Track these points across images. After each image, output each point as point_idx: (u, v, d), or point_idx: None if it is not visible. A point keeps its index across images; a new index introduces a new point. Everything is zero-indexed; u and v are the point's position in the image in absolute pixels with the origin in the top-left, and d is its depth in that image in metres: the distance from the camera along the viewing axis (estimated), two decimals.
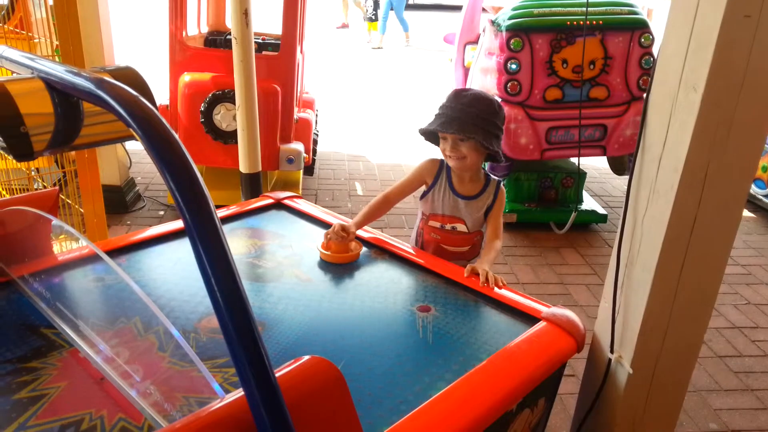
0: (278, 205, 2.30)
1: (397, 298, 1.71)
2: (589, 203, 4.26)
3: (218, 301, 0.75)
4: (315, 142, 4.63)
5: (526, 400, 1.47)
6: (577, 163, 3.84)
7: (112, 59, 3.73)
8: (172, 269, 1.78)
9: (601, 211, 4.18)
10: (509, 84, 3.71)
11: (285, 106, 3.79)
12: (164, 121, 0.79)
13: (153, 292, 1.63)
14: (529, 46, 3.65)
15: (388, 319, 1.61)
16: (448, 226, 2.08)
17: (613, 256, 1.63)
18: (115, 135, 1.09)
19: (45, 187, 2.93)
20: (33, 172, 3.07)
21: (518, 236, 3.99)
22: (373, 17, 11.85)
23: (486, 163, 3.12)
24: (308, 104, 4.69)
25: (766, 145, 3.18)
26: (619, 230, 1.61)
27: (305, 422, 0.86)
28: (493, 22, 3.85)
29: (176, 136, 0.78)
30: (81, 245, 1.55)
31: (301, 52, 4.24)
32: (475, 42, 4.71)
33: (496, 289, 1.74)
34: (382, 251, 1.98)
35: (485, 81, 4.01)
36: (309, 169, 4.66)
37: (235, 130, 2.89)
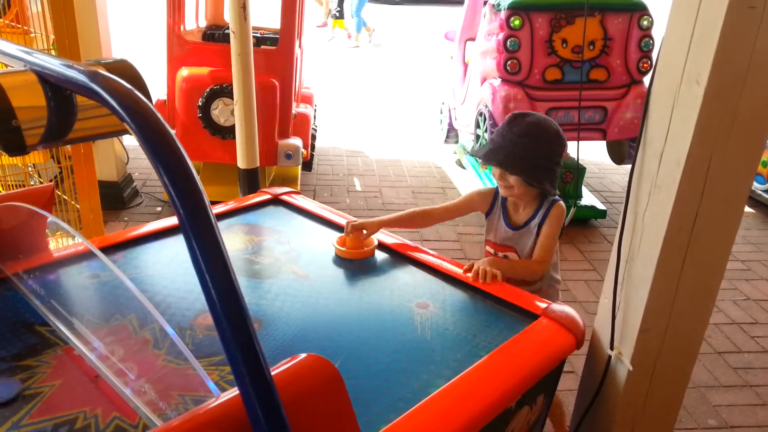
0: (276, 201, 2.28)
1: (394, 294, 1.70)
2: (588, 199, 4.25)
3: (213, 298, 0.73)
4: (313, 137, 4.62)
5: (526, 397, 1.46)
6: (576, 157, 3.83)
7: (109, 53, 3.71)
8: (169, 266, 1.77)
9: (601, 206, 4.17)
10: (509, 62, 3.69)
11: (283, 101, 3.78)
12: (159, 115, 0.77)
13: (149, 289, 1.62)
14: (529, 25, 3.65)
15: (386, 316, 1.60)
16: (500, 254, 2.01)
17: (614, 251, 1.62)
18: (110, 129, 1.07)
19: (41, 183, 2.91)
20: (29, 168, 3.05)
21: None
22: (337, 14, 11.70)
23: None
24: (307, 99, 4.67)
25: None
26: (619, 225, 1.59)
27: (301, 421, 0.84)
28: (493, 6, 3.84)
29: (171, 130, 0.77)
30: (76, 242, 1.53)
31: (300, 46, 4.22)
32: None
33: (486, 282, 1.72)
34: (380, 247, 1.96)
35: (485, 64, 4.00)
36: (307, 165, 4.64)
37: (233, 125, 2.87)
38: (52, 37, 2.55)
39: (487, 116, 3.90)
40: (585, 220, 4.14)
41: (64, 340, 1.35)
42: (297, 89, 4.24)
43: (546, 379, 1.52)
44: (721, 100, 1.30)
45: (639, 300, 1.53)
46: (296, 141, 3.89)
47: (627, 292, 1.58)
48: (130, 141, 4.02)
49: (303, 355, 0.93)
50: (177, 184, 0.73)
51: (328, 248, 1.92)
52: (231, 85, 2.77)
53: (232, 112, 3.30)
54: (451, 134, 5.43)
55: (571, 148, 3.86)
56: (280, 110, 3.76)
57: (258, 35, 4.27)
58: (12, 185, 2.94)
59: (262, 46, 4.07)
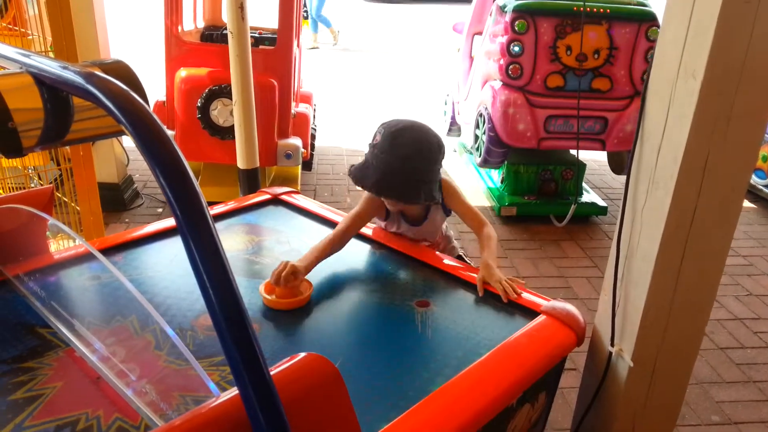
0: (276, 201, 2.28)
1: (395, 293, 1.70)
2: (589, 195, 4.25)
3: (211, 300, 0.73)
4: (313, 136, 4.61)
5: (527, 395, 1.46)
6: (576, 155, 3.83)
7: (107, 55, 3.71)
8: (169, 266, 1.77)
9: (602, 203, 4.16)
10: (511, 66, 3.67)
11: (282, 100, 3.77)
12: (155, 116, 0.77)
13: (150, 290, 1.62)
14: (534, 30, 3.61)
15: (386, 315, 1.60)
16: None
17: (613, 248, 1.62)
18: (107, 130, 1.07)
19: (42, 185, 2.91)
20: (29, 171, 3.05)
21: (518, 229, 3.97)
22: (305, 15, 11.36)
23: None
24: (306, 99, 4.67)
25: (766, 135, 3.16)
26: (618, 222, 1.59)
27: (301, 420, 0.84)
28: (500, 7, 3.81)
29: (167, 131, 0.77)
30: (76, 244, 1.54)
31: (298, 46, 4.22)
32: None
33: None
34: (379, 246, 1.96)
35: (488, 66, 3.98)
36: (307, 164, 4.64)
37: (233, 126, 2.87)
38: (49, 39, 2.54)
39: (486, 119, 3.89)
40: (586, 217, 4.14)
41: (65, 342, 1.35)
42: (296, 89, 4.23)
43: (547, 377, 1.52)
44: (717, 95, 1.30)
45: (639, 296, 1.53)
46: (296, 141, 3.89)
47: (627, 289, 1.58)
48: (130, 142, 4.02)
49: (302, 355, 0.93)
50: (173, 185, 0.74)
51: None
52: (230, 85, 2.77)
53: (231, 113, 3.30)
54: (454, 127, 5.43)
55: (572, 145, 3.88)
56: (279, 110, 3.76)
57: (256, 35, 4.26)
58: (12, 188, 2.94)
59: (261, 46, 4.07)
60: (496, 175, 4.33)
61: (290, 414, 0.79)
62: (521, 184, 4.11)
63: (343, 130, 5.98)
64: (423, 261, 1.85)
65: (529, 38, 3.62)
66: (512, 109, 3.69)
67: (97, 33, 3.55)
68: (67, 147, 2.59)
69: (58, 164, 2.84)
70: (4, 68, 0.96)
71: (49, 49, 2.60)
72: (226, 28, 2.74)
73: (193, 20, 4.38)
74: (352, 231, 1.89)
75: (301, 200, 2.26)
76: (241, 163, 2.85)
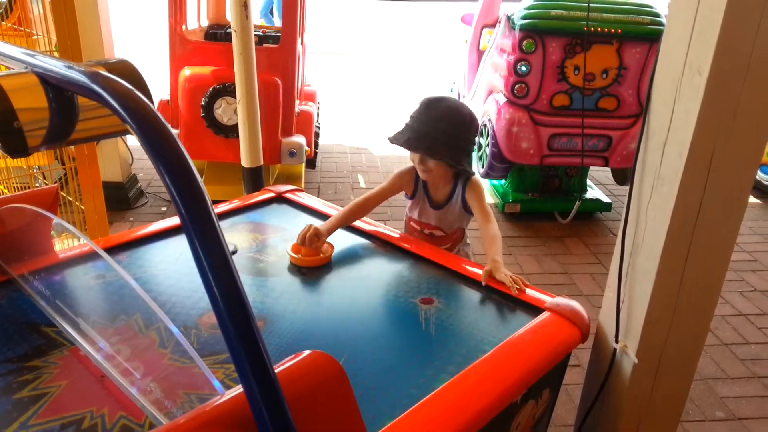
0: (280, 199, 2.28)
1: (399, 290, 1.70)
2: (593, 192, 4.24)
3: (215, 297, 0.74)
4: (317, 134, 4.61)
5: (531, 392, 1.45)
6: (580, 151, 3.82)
7: (111, 54, 3.72)
8: (174, 265, 1.77)
9: (606, 199, 4.15)
10: (517, 86, 3.63)
11: (286, 98, 3.78)
12: (160, 115, 0.77)
13: (154, 288, 1.62)
14: (542, 49, 3.55)
15: (390, 312, 1.60)
16: (426, 231, 2.13)
17: (617, 244, 1.62)
18: (112, 129, 1.08)
19: (46, 184, 2.92)
20: (34, 170, 3.06)
21: (522, 226, 3.97)
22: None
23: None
24: (309, 97, 4.67)
25: None
26: (623, 218, 1.59)
27: (306, 418, 0.84)
28: (509, 18, 3.76)
29: (172, 129, 0.77)
30: (80, 243, 1.54)
31: (302, 44, 4.22)
32: (493, 26, 4.61)
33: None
34: (384, 243, 1.96)
35: (494, 78, 3.95)
36: (311, 162, 4.65)
37: (237, 124, 2.87)
38: (54, 38, 2.55)
39: (490, 132, 3.86)
40: (590, 214, 4.13)
41: (70, 341, 1.35)
42: (300, 87, 4.24)
43: (551, 373, 1.51)
44: (723, 91, 1.29)
45: (643, 293, 1.53)
46: (300, 139, 3.89)
47: (631, 285, 1.58)
48: (134, 141, 4.03)
49: (307, 352, 0.93)
50: (178, 184, 0.74)
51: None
52: (234, 84, 2.77)
53: (235, 111, 3.32)
54: None
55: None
56: (283, 108, 3.76)
57: (260, 34, 4.26)
58: (17, 187, 2.95)
59: (264, 45, 4.07)
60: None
61: (295, 412, 0.79)
62: (525, 180, 4.10)
63: (347, 127, 5.97)
64: (427, 258, 1.85)
65: (536, 58, 3.57)
66: (516, 128, 3.66)
67: (101, 32, 3.56)
68: (72, 146, 2.60)
69: (63, 163, 2.85)
70: (9, 68, 0.96)
71: (53, 48, 2.61)
72: (230, 27, 2.74)
73: (197, 19, 4.38)
74: (373, 202, 2.05)
75: (304, 198, 2.27)
76: (245, 162, 2.86)
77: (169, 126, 0.77)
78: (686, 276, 1.49)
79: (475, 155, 4.29)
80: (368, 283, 1.74)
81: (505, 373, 1.35)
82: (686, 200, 1.40)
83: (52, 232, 1.61)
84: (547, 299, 1.62)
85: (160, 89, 4.13)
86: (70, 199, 2.78)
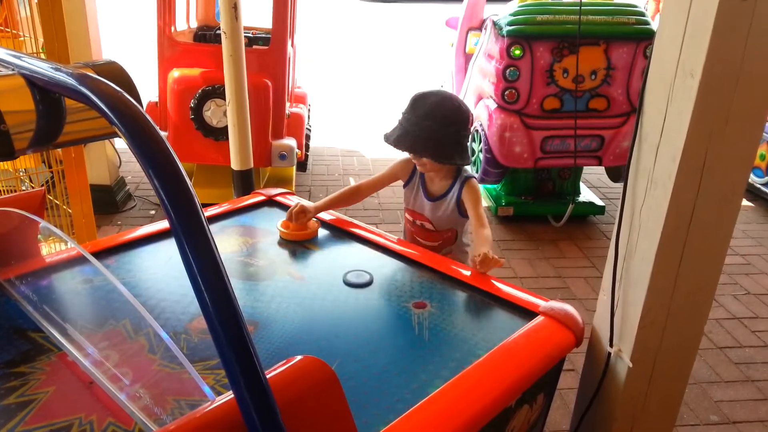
0: (270, 202, 2.27)
1: (392, 295, 1.68)
2: (586, 195, 4.24)
3: (205, 302, 0.72)
4: (308, 137, 4.60)
5: (525, 396, 1.44)
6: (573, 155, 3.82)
7: (99, 56, 3.69)
8: (163, 269, 1.75)
9: (599, 202, 4.16)
10: (507, 92, 3.65)
11: (276, 101, 3.76)
12: (148, 117, 0.76)
13: (143, 293, 1.60)
14: (530, 54, 3.57)
15: (383, 317, 1.59)
16: (417, 222, 2.16)
17: (611, 248, 1.61)
18: (100, 132, 1.06)
19: (33, 188, 2.89)
20: (21, 173, 3.02)
21: (515, 230, 3.97)
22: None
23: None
24: (300, 99, 4.65)
25: (764, 133, 3.15)
26: (616, 222, 1.58)
27: (298, 424, 0.83)
28: (495, 23, 3.77)
29: (161, 132, 0.76)
30: (68, 247, 1.52)
31: (292, 45, 4.21)
32: (478, 28, 4.63)
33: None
34: (376, 247, 1.95)
35: (482, 83, 3.96)
36: (302, 165, 4.62)
37: (226, 127, 2.86)
38: (41, 40, 2.52)
39: (482, 138, 3.87)
40: (583, 217, 4.13)
41: (57, 346, 1.33)
42: (290, 89, 4.22)
43: (546, 378, 1.51)
44: (716, 94, 1.29)
45: (637, 296, 1.52)
46: (290, 141, 3.88)
47: (625, 289, 1.57)
48: (122, 144, 4.00)
49: (299, 358, 0.92)
50: (167, 187, 0.73)
51: (324, 249, 1.91)
52: (223, 86, 2.75)
53: (225, 113, 3.29)
54: None
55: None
56: (273, 110, 3.75)
57: (250, 35, 4.25)
58: (3, 190, 2.91)
59: (254, 46, 4.05)
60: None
61: (286, 418, 0.78)
62: (518, 184, 4.10)
63: (339, 130, 5.96)
64: (419, 262, 1.84)
65: (525, 63, 3.59)
66: (509, 133, 3.67)
67: (89, 33, 3.53)
68: (59, 149, 2.58)
69: (50, 167, 2.82)
70: None
71: (40, 50, 2.58)
72: (219, 28, 2.72)
73: (186, 20, 4.36)
74: (368, 189, 2.17)
75: (295, 201, 2.25)
76: (234, 164, 2.84)
77: (158, 128, 0.76)
78: (680, 279, 1.49)
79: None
80: (361, 287, 1.73)
81: (499, 378, 1.34)
82: (680, 203, 1.39)
83: (39, 236, 1.58)
84: (540, 303, 1.61)
85: (148, 91, 4.11)
86: (57, 202, 2.75)
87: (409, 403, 1.22)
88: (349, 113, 6.68)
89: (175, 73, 3.67)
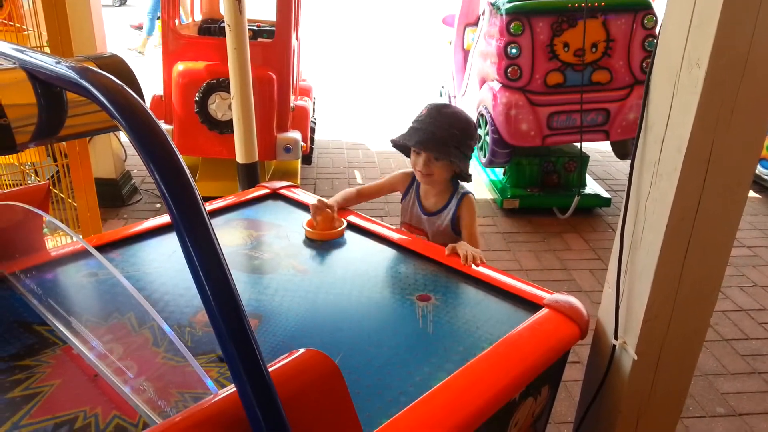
0: (275, 195, 2.27)
1: (396, 287, 1.68)
2: (592, 187, 4.23)
3: (207, 296, 0.72)
4: (312, 130, 4.60)
5: (530, 389, 1.44)
6: (579, 147, 3.81)
7: (103, 49, 3.69)
8: (167, 262, 1.75)
9: (605, 194, 4.14)
10: (509, 69, 3.65)
11: (281, 94, 3.75)
12: (149, 111, 0.76)
13: (147, 287, 1.61)
14: (530, 30, 3.58)
15: (387, 309, 1.59)
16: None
17: (616, 240, 1.60)
18: (102, 125, 1.07)
19: (39, 181, 2.90)
20: (26, 167, 3.03)
21: (520, 222, 3.96)
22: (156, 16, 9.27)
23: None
24: (305, 92, 4.65)
25: None
26: (621, 214, 1.57)
27: (300, 417, 0.83)
28: (492, 5, 3.78)
29: (164, 126, 0.75)
30: (73, 241, 1.52)
31: (297, 38, 4.20)
32: (475, 24, 4.64)
33: (479, 268, 1.75)
34: (381, 240, 1.95)
35: (484, 66, 3.96)
36: (307, 158, 4.62)
37: (231, 120, 2.85)
38: (45, 33, 2.52)
39: (488, 120, 3.87)
40: (589, 209, 4.12)
41: (62, 340, 1.34)
42: (295, 82, 4.21)
43: (550, 370, 1.50)
44: (722, 84, 1.28)
45: (643, 289, 1.51)
46: (295, 134, 3.87)
47: (631, 281, 1.57)
48: None
49: (301, 351, 0.92)
50: (168, 181, 0.73)
51: (328, 242, 1.91)
52: (228, 79, 2.75)
53: (230, 107, 3.29)
54: None
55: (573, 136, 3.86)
56: (278, 103, 3.74)
57: (254, 28, 4.24)
58: (8, 184, 2.92)
59: (259, 39, 4.05)
60: (498, 168, 4.32)
61: (289, 410, 0.78)
62: (524, 176, 4.09)
63: (344, 123, 5.95)
64: (424, 255, 1.84)
65: (525, 39, 3.60)
66: (514, 111, 3.67)
67: (93, 27, 3.53)
68: (64, 143, 2.58)
69: (55, 160, 2.82)
70: None
71: (44, 44, 2.58)
72: (223, 21, 2.72)
73: (190, 13, 4.36)
74: (368, 195, 2.21)
75: (300, 194, 2.25)
76: (239, 158, 2.84)
77: (159, 122, 0.76)
78: (686, 271, 1.48)
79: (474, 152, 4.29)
80: (365, 280, 1.73)
81: (504, 371, 1.34)
82: (685, 195, 1.38)
83: (44, 229, 1.59)
84: (545, 295, 1.60)
85: (153, 84, 4.11)
86: (63, 196, 2.76)
87: (413, 396, 1.22)
88: (354, 106, 6.67)
89: (180, 66, 3.67)
